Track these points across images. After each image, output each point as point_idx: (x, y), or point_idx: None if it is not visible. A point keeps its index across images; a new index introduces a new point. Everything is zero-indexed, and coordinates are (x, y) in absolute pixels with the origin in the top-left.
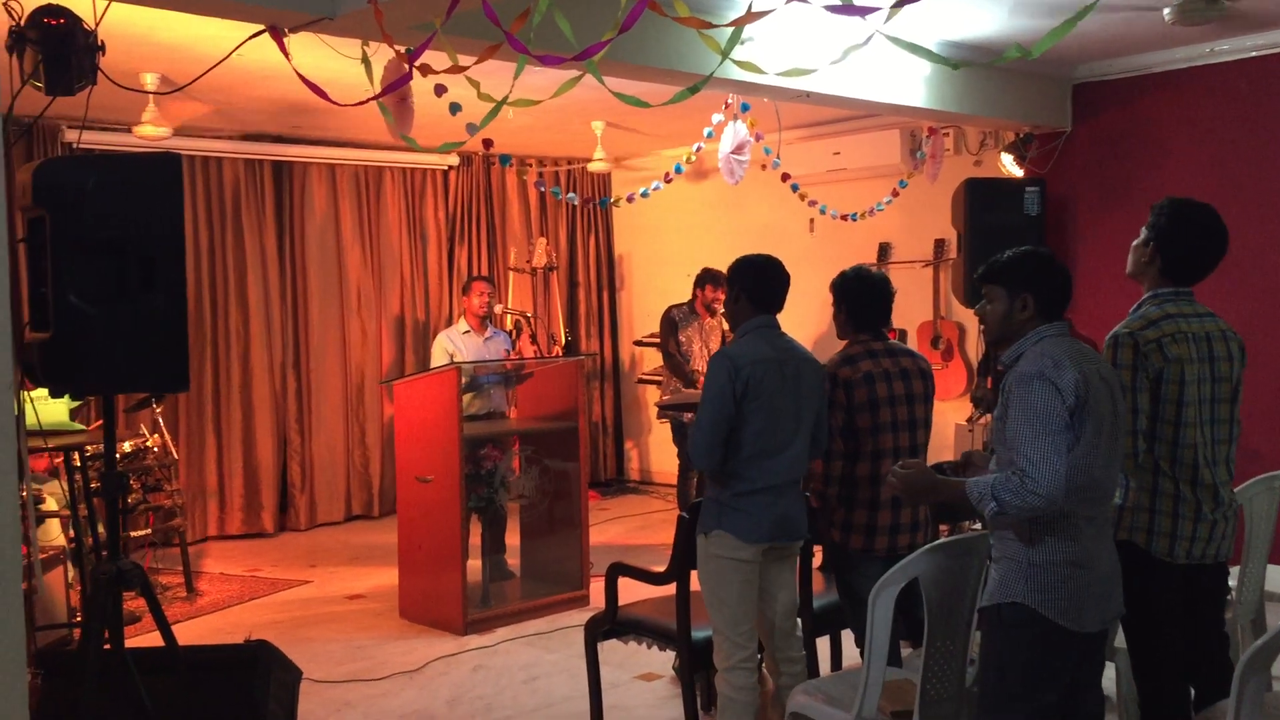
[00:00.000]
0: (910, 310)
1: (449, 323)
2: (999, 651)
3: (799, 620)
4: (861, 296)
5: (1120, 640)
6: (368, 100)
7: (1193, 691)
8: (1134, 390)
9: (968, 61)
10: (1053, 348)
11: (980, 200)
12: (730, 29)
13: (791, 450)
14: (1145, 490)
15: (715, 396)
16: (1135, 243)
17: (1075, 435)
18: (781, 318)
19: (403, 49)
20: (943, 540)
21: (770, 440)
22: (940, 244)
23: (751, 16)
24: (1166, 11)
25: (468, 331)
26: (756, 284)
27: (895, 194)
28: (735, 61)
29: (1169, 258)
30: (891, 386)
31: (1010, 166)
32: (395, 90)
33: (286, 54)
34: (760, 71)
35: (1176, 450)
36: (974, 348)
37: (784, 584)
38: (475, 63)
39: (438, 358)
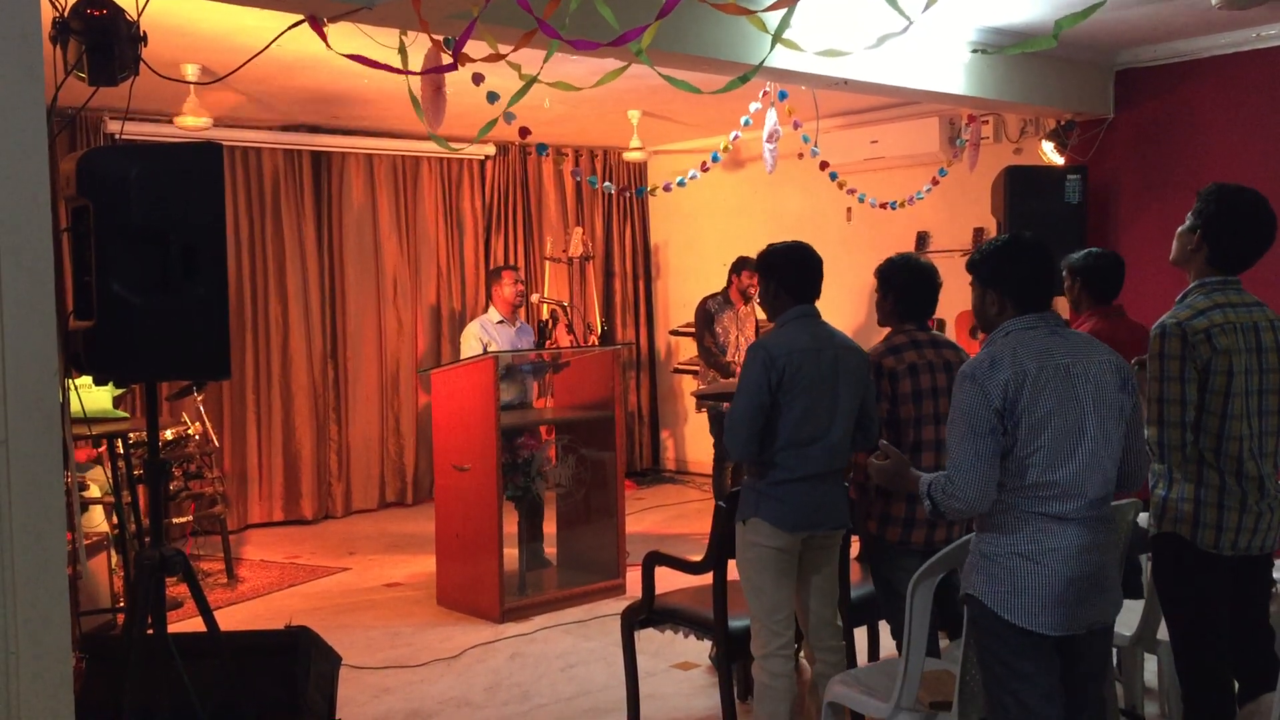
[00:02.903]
0: (949, 300)
1: (485, 313)
2: (973, 646)
3: (839, 610)
4: (910, 285)
5: (1162, 633)
6: (405, 71)
7: (1236, 685)
8: (1181, 381)
9: (988, 46)
10: (1007, 343)
11: (1021, 188)
12: (773, 18)
13: (829, 439)
14: (1190, 482)
15: (750, 386)
16: (1181, 229)
17: (1014, 437)
18: (818, 305)
19: (440, 38)
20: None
21: (807, 429)
22: (979, 233)
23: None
24: None
25: (501, 321)
26: (791, 274)
27: (935, 182)
28: (779, 39)
29: (1216, 245)
30: (935, 378)
31: (1051, 154)
32: (430, 79)
33: (325, 39)
34: (799, 49)
35: (1222, 442)
36: None
37: (824, 573)
38: (511, 51)
39: (471, 347)
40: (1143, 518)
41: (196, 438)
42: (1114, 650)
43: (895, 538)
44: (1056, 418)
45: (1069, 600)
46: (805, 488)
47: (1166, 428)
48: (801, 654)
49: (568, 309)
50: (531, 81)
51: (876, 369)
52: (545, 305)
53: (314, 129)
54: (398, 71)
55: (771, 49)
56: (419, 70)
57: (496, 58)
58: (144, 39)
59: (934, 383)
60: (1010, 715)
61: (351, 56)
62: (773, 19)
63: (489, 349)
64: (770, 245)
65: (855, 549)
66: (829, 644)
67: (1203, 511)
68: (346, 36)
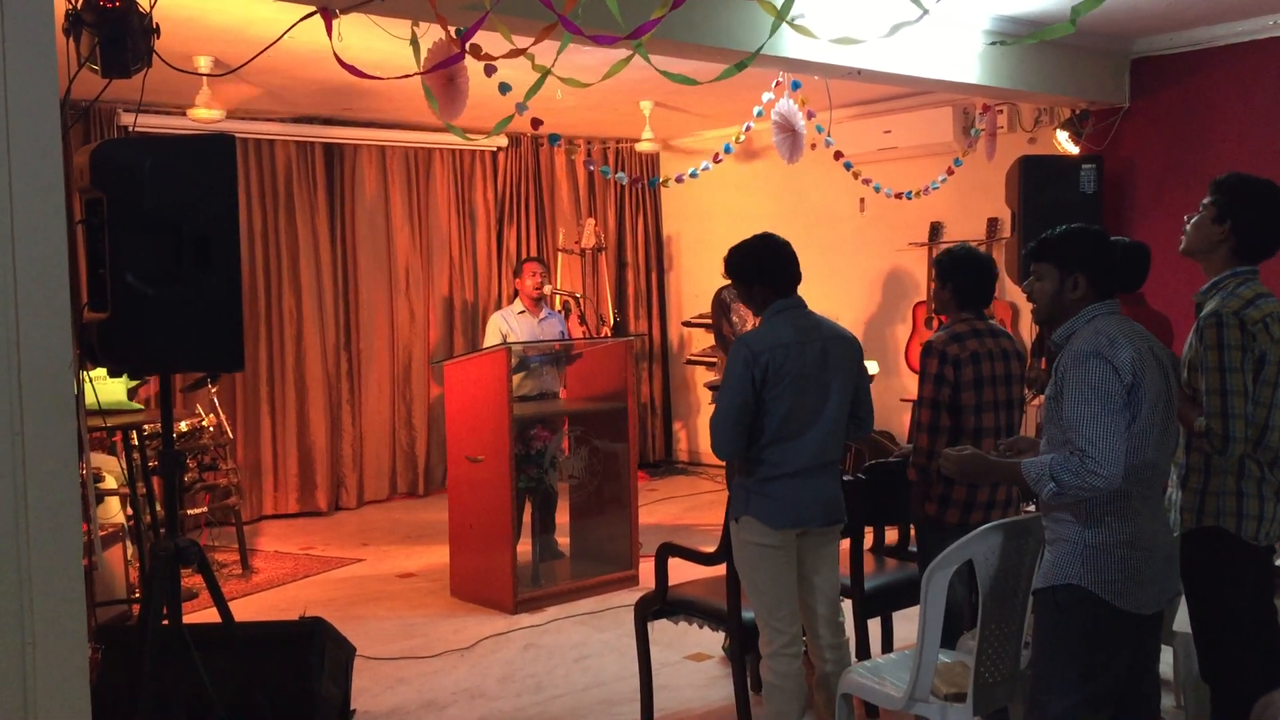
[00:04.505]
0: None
1: (498, 303)
2: (1055, 635)
3: (841, 605)
4: (969, 275)
5: (1178, 624)
6: (411, 75)
7: None
8: (1243, 372)
9: (1009, 37)
10: (1107, 326)
11: (1035, 178)
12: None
13: (816, 431)
14: (1231, 474)
15: (734, 384)
16: (1196, 219)
17: (1132, 414)
18: (829, 295)
19: (453, 29)
20: (998, 522)
21: (794, 424)
22: (993, 223)
23: None
24: None
25: (523, 312)
26: (765, 270)
27: (950, 172)
28: (791, 24)
29: (1245, 237)
30: (994, 367)
31: (1066, 144)
32: (442, 70)
33: (331, 35)
34: (813, 36)
35: (1265, 433)
36: (1027, 328)
37: (823, 569)
38: (531, 44)
39: (491, 337)
40: None
41: (211, 429)
42: None
43: (954, 520)
44: (1161, 399)
45: (1161, 577)
46: (795, 483)
47: (1231, 420)
48: (808, 650)
49: (580, 300)
50: (544, 76)
51: (941, 355)
52: (558, 297)
53: (327, 121)
54: (407, 76)
55: (773, 31)
56: (427, 66)
57: (517, 53)
58: (157, 31)
59: (993, 371)
60: (1073, 704)
61: (350, 69)
62: (783, 4)
63: (507, 339)
64: (734, 248)
65: (869, 540)
66: (831, 641)
67: (1246, 503)
68: (359, 28)
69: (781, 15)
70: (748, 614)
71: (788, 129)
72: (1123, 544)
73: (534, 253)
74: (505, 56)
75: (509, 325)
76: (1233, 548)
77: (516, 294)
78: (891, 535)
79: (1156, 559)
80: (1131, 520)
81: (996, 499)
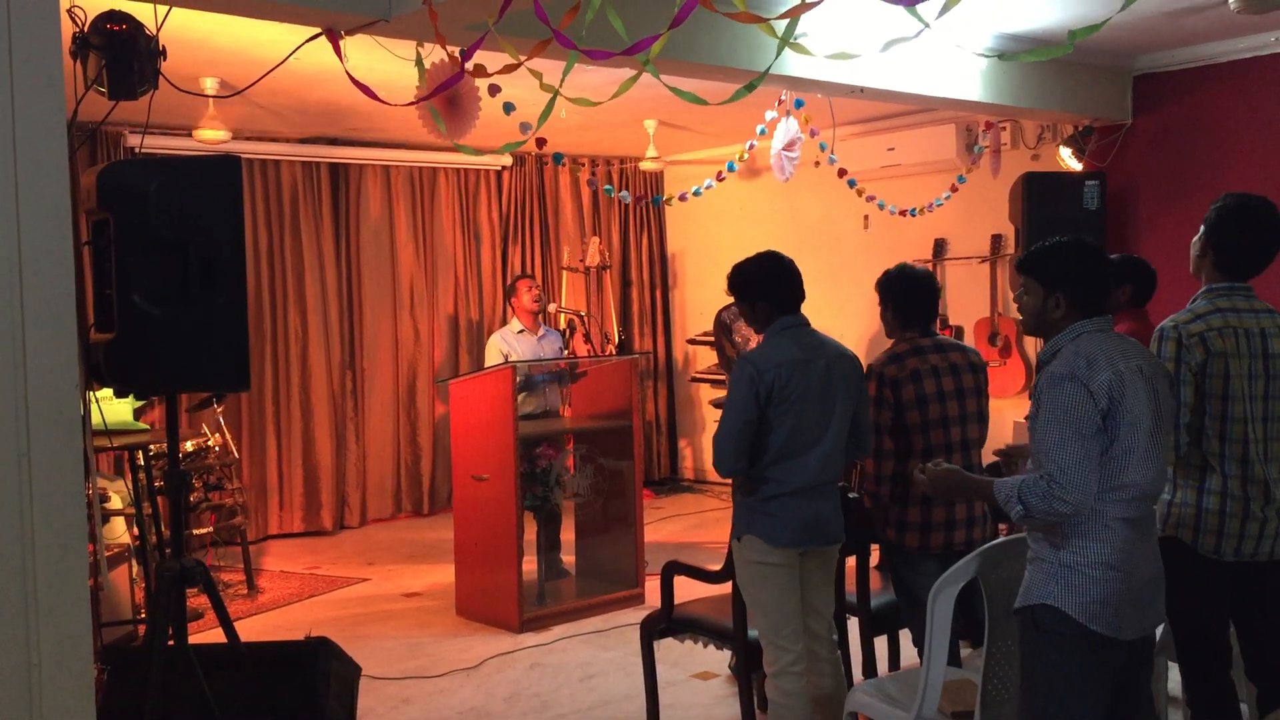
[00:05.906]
0: (967, 306)
1: (503, 322)
2: (1032, 656)
3: (833, 624)
4: (906, 294)
5: None
6: (417, 101)
7: (1257, 691)
8: (1178, 383)
9: (1006, 53)
10: (1089, 345)
11: (1039, 195)
12: (784, 24)
13: (819, 450)
14: (1192, 487)
15: (739, 403)
16: (1193, 240)
17: (1110, 437)
18: (833, 312)
19: (456, 50)
20: (1004, 539)
21: (798, 443)
22: (997, 239)
23: (805, 6)
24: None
25: (522, 331)
26: (769, 288)
27: (954, 189)
28: (792, 45)
29: (1220, 251)
30: (940, 382)
31: (1069, 160)
32: (444, 91)
33: (341, 56)
34: (810, 54)
35: (1225, 445)
36: (1032, 344)
37: (821, 592)
38: (526, 60)
39: (492, 358)
40: None
41: (216, 449)
42: None
43: (914, 543)
44: (1144, 419)
45: (1143, 602)
46: (798, 502)
47: None
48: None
49: (585, 318)
50: (554, 98)
51: (879, 378)
52: (563, 315)
53: (332, 141)
54: (414, 103)
55: (778, 54)
56: (429, 86)
57: (513, 67)
58: (163, 53)
59: (940, 386)
60: None
61: (363, 88)
62: (785, 27)
63: (509, 359)
64: (737, 266)
65: (875, 558)
66: (829, 658)
67: (1204, 517)
68: (364, 49)
69: (784, 39)
70: (753, 632)
71: (793, 147)
72: (1098, 565)
73: (539, 270)
74: (501, 72)
75: (510, 345)
76: (1189, 558)
77: (511, 314)
78: None
79: (1138, 584)
80: (1108, 542)
81: (957, 519)
